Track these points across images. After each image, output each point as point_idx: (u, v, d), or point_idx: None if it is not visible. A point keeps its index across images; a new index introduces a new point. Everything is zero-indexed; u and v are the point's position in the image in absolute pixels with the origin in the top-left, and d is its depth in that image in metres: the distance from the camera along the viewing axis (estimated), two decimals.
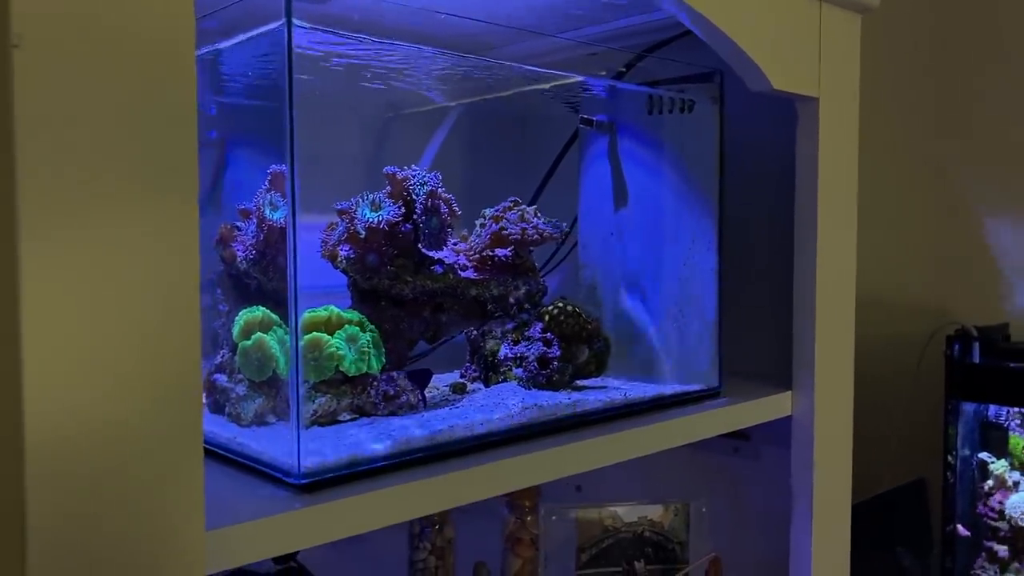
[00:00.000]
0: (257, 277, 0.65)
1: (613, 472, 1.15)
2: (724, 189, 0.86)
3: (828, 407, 0.90)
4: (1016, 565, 1.63)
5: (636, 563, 0.97)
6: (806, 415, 0.89)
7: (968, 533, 1.66)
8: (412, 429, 0.63)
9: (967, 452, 1.68)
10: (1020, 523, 1.62)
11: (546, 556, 1.00)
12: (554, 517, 0.99)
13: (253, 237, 0.64)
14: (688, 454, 1.06)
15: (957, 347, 1.67)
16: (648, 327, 0.88)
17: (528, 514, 1.05)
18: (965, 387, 1.65)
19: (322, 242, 0.70)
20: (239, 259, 0.65)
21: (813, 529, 0.89)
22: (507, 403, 0.72)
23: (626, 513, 0.98)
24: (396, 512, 0.56)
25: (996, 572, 1.64)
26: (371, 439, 0.60)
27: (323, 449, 0.58)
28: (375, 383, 0.67)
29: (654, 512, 0.98)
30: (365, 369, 0.65)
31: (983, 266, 1.80)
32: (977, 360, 1.68)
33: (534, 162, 0.97)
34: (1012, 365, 1.67)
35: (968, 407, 1.69)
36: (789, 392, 0.89)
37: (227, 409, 0.64)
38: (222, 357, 0.66)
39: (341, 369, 0.64)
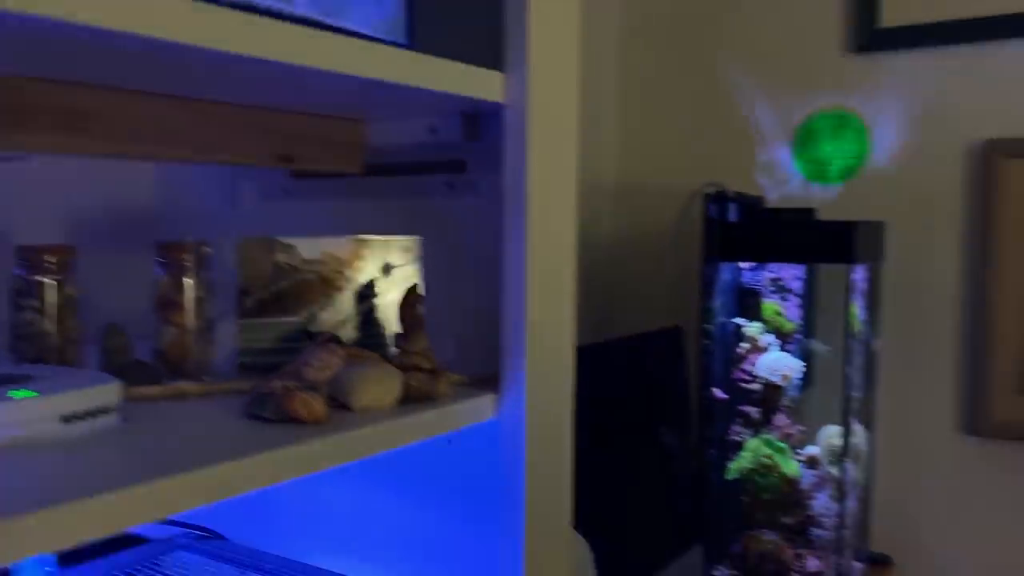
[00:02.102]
0: None
1: (307, 219, 0.94)
2: None
3: (547, 91, 0.74)
4: (766, 426, 1.60)
5: (321, 311, 0.77)
6: (519, 103, 0.72)
7: (726, 397, 1.61)
8: None
9: (723, 318, 1.63)
10: (770, 379, 1.59)
11: (204, 307, 0.78)
12: (208, 250, 0.77)
13: None
14: (396, 199, 0.87)
15: (714, 207, 1.61)
16: None
17: (185, 273, 0.82)
18: (722, 246, 1.59)
19: None
20: None
21: (527, 268, 0.72)
22: None
23: (307, 248, 0.77)
24: None
25: (750, 435, 1.60)
26: None
27: None
28: None
29: (343, 248, 0.78)
30: None
31: (747, 148, 1.78)
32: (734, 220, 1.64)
33: None
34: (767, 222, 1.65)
35: (725, 274, 1.63)
36: (500, 74, 0.72)
37: None
38: None
39: None
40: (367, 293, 0.79)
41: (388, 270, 0.78)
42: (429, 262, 0.81)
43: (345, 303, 0.78)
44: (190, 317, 0.79)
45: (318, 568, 0.81)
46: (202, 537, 0.90)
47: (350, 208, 0.90)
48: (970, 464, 1.64)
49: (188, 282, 0.80)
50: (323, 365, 0.68)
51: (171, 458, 0.54)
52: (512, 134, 0.72)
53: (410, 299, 0.73)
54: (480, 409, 0.74)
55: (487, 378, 0.77)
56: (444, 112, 0.79)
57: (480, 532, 0.77)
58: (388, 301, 0.78)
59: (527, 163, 0.72)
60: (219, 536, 0.90)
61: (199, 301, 0.79)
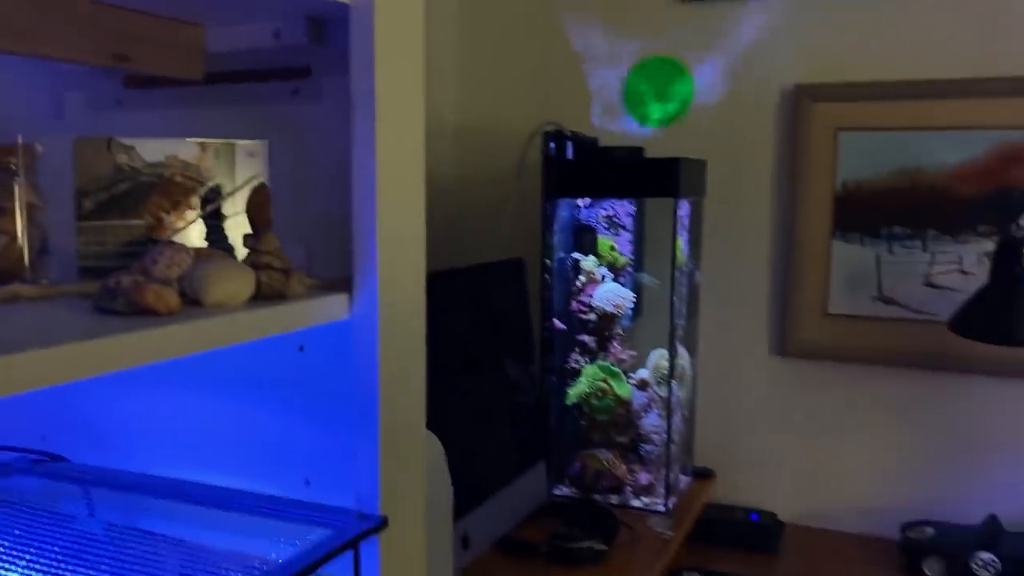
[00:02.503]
0: None
1: (142, 132, 0.91)
2: None
3: None
4: (602, 353, 1.70)
5: (165, 215, 0.76)
6: (364, 2, 0.73)
7: (564, 327, 1.69)
8: None
9: (562, 253, 1.70)
10: (604, 308, 1.68)
11: (36, 212, 0.74)
12: (41, 148, 0.74)
13: None
14: (238, 107, 0.86)
15: (553, 145, 1.67)
16: None
17: (13, 176, 0.78)
18: (559, 183, 1.66)
19: None
20: None
21: (377, 170, 0.74)
22: None
23: (149, 151, 0.75)
24: None
25: (587, 362, 1.70)
26: None
27: None
28: None
29: (187, 151, 0.77)
30: None
31: (583, 90, 1.86)
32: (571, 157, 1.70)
33: None
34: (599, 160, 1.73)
35: (564, 211, 1.71)
36: None
37: None
38: None
39: None
40: (212, 197, 0.78)
41: (233, 175, 0.77)
42: (275, 170, 0.81)
43: (191, 207, 0.77)
44: (21, 223, 0.75)
45: (172, 478, 0.80)
46: (40, 462, 0.87)
47: (189, 117, 0.88)
48: (781, 383, 1.80)
49: (16, 186, 0.76)
50: (171, 262, 0.68)
51: (11, 342, 0.53)
52: (358, 35, 0.74)
53: (258, 197, 0.73)
54: (333, 308, 0.76)
55: (338, 283, 0.79)
56: (288, 15, 0.79)
57: (336, 433, 0.79)
58: (235, 204, 0.78)
59: (375, 65, 0.73)
60: (61, 458, 0.87)
61: (30, 206, 0.76)
